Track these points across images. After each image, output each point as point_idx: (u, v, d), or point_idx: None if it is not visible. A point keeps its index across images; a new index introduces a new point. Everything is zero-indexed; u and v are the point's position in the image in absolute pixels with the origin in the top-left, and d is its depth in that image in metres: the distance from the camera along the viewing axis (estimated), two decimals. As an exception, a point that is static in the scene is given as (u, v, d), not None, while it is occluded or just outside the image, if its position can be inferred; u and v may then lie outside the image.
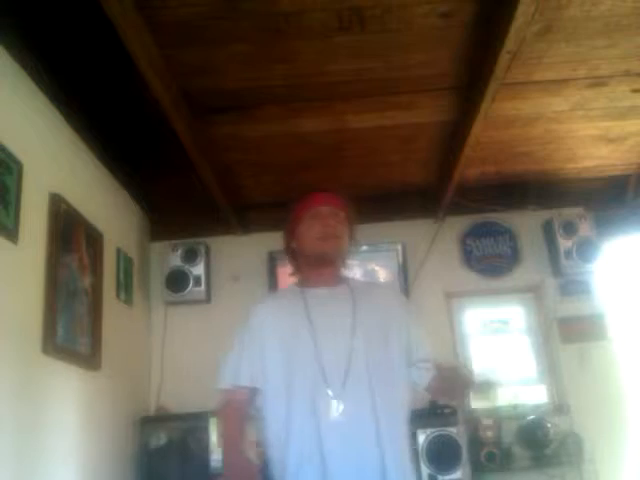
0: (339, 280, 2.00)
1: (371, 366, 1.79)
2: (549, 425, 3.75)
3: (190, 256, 4.08)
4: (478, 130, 3.18)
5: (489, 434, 3.75)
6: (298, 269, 2.04)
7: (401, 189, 4.21)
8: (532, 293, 4.32)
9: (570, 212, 4.17)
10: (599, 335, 4.06)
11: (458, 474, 3.48)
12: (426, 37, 2.64)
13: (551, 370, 4.15)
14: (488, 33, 2.56)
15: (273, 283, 4.11)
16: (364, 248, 4.24)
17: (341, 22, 2.50)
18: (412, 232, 4.29)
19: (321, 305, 1.89)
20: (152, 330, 4.15)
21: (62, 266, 2.81)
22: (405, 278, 4.18)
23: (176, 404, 3.82)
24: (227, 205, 3.94)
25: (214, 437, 3.47)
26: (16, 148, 2.44)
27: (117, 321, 3.50)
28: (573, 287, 4.19)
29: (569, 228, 4.08)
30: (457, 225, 4.35)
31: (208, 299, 4.11)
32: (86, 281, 3.10)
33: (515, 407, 4.00)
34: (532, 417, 3.82)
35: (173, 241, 4.14)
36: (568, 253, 4.05)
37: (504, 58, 2.56)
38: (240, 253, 4.29)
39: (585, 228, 4.09)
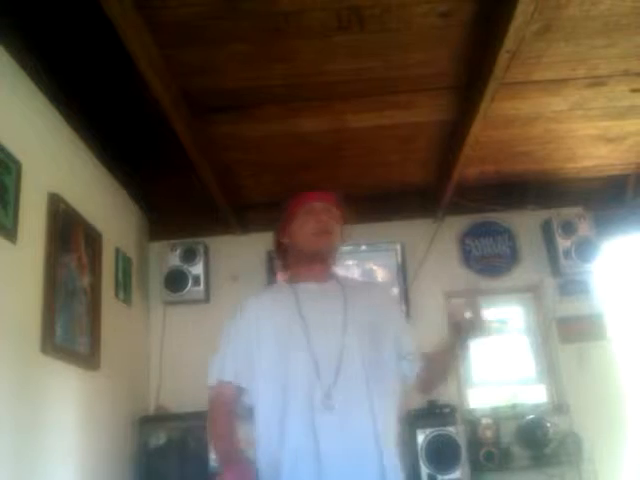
0: (329, 276, 2.01)
1: (366, 364, 1.79)
2: (548, 425, 3.75)
3: (189, 256, 4.08)
4: (477, 130, 3.18)
5: (488, 434, 3.75)
6: (288, 265, 2.04)
7: (400, 189, 4.22)
8: (531, 293, 4.32)
9: (569, 212, 4.17)
10: (598, 335, 4.06)
11: (457, 474, 3.49)
12: (425, 36, 2.65)
13: (550, 370, 4.15)
14: (487, 32, 2.56)
15: (272, 283, 4.10)
16: (363, 248, 4.25)
17: (340, 22, 2.50)
18: (411, 232, 4.29)
19: (312, 300, 1.88)
20: (151, 330, 4.15)
21: (61, 266, 2.81)
22: (404, 278, 4.18)
23: (175, 404, 3.82)
24: (226, 205, 3.94)
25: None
26: (15, 148, 2.44)
27: (116, 321, 3.50)
28: (572, 287, 4.19)
29: (568, 228, 4.09)
30: (456, 225, 4.35)
31: (207, 299, 4.11)
32: (85, 281, 3.10)
33: (514, 407, 4.00)
34: (531, 417, 3.82)
35: (172, 241, 4.14)
36: (567, 253, 4.05)
37: (503, 57, 2.56)
38: (239, 253, 4.29)
39: (584, 228, 4.09)
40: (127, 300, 3.77)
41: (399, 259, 4.22)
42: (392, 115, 3.25)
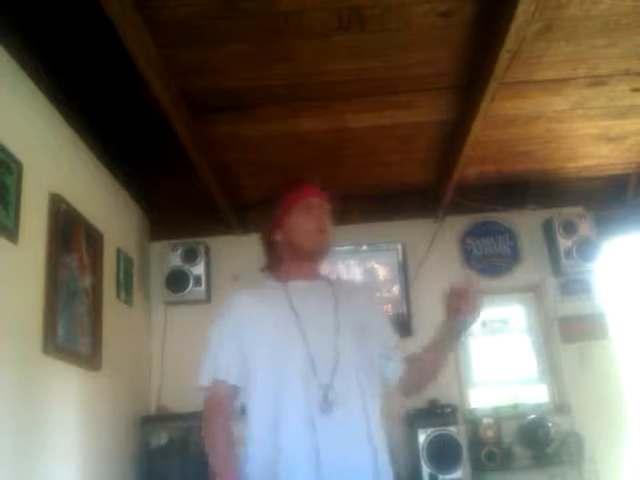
0: (318, 275, 1.98)
1: (358, 364, 1.78)
2: (550, 424, 3.75)
3: (190, 256, 4.08)
4: (478, 129, 3.18)
5: (489, 433, 3.75)
6: (278, 262, 1.98)
7: (401, 189, 4.21)
8: (532, 292, 4.32)
9: (570, 211, 4.17)
10: (600, 334, 4.06)
11: (458, 473, 3.49)
12: (426, 36, 2.65)
13: (551, 369, 4.14)
14: (488, 32, 2.56)
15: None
16: (364, 248, 4.26)
17: (340, 21, 2.50)
18: (412, 232, 4.29)
19: (303, 298, 1.85)
20: (152, 330, 4.15)
21: (62, 266, 2.81)
22: (405, 278, 4.18)
23: (176, 403, 3.82)
24: (227, 205, 3.94)
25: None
26: (16, 148, 2.44)
27: (117, 321, 3.50)
28: (573, 286, 4.19)
29: (569, 227, 4.08)
30: (457, 225, 4.35)
31: (208, 299, 4.11)
32: (86, 281, 3.10)
33: (515, 406, 4.00)
34: (533, 416, 3.82)
35: (173, 241, 4.14)
36: (568, 252, 4.05)
37: (504, 57, 2.56)
38: (240, 253, 4.27)
39: (585, 227, 4.09)
40: (128, 300, 3.77)
41: (400, 259, 4.22)
42: (392, 115, 3.25)
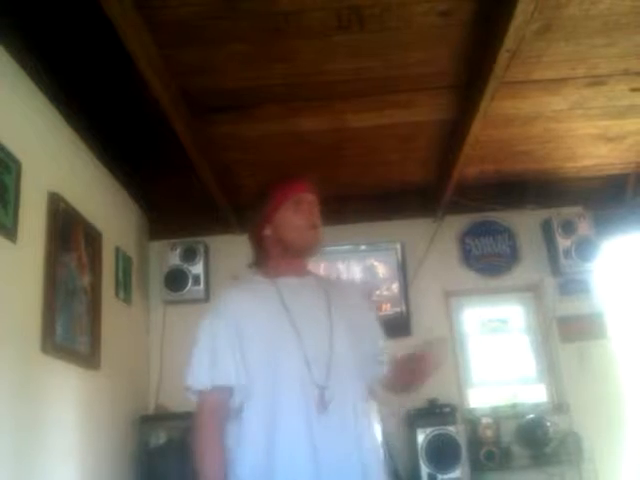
0: (307, 271, 1.95)
1: (351, 364, 1.77)
2: (548, 424, 3.76)
3: (189, 255, 4.08)
4: (477, 129, 3.18)
5: (488, 433, 3.75)
6: (265, 257, 1.96)
7: (400, 188, 4.22)
8: (531, 292, 4.32)
9: (569, 211, 4.18)
10: (598, 334, 4.07)
11: (457, 473, 3.49)
12: (425, 36, 2.65)
13: (550, 369, 4.15)
14: (487, 32, 2.56)
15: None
16: (363, 247, 4.26)
17: (340, 21, 2.50)
18: (411, 231, 4.30)
19: (295, 294, 1.82)
20: (151, 329, 4.15)
21: (61, 265, 2.81)
22: (404, 277, 4.19)
23: (175, 403, 3.81)
24: (226, 204, 3.94)
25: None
26: (15, 147, 2.44)
27: (116, 320, 3.50)
28: (572, 286, 4.19)
29: (568, 227, 4.09)
30: (456, 224, 4.36)
31: (207, 298, 4.11)
32: (85, 280, 3.10)
33: (514, 406, 4.01)
34: (531, 416, 3.82)
35: (172, 240, 4.15)
36: (567, 252, 4.06)
37: (503, 57, 2.56)
38: (239, 252, 4.20)
39: (584, 227, 4.09)
40: (127, 299, 3.77)
41: (399, 258, 4.22)
42: (392, 114, 3.25)
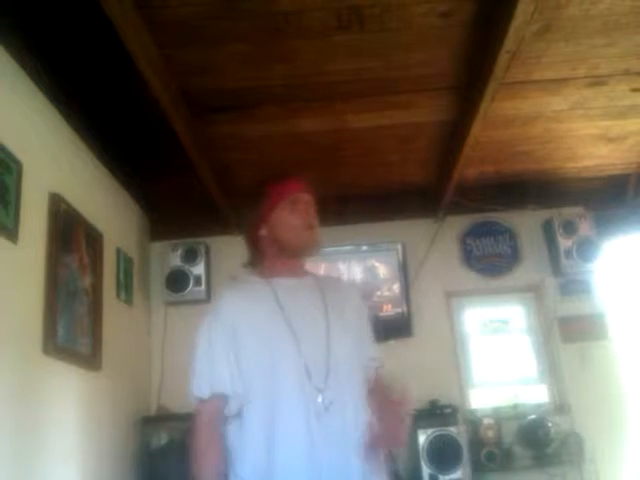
0: (304, 272, 1.94)
1: (348, 366, 1.76)
2: (550, 425, 3.75)
3: (190, 256, 4.08)
4: (477, 130, 3.18)
5: (490, 434, 3.75)
6: (261, 257, 1.95)
7: (401, 189, 4.22)
8: (532, 292, 4.32)
9: (570, 211, 4.17)
10: (599, 334, 4.06)
11: (459, 474, 3.49)
12: (425, 36, 2.65)
13: (551, 370, 4.15)
14: (487, 32, 2.56)
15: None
16: (364, 248, 4.26)
17: (340, 21, 2.51)
18: (412, 232, 4.29)
19: (290, 294, 1.81)
20: (152, 330, 4.15)
21: (62, 266, 2.81)
22: (405, 277, 4.18)
23: (177, 404, 3.81)
24: (226, 205, 3.94)
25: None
26: (16, 148, 2.45)
27: (117, 321, 3.50)
28: (573, 286, 4.19)
29: (569, 227, 4.09)
30: (457, 224, 4.36)
31: (208, 299, 4.10)
32: (86, 281, 3.10)
33: (516, 407, 4.00)
34: (533, 417, 3.82)
35: (173, 241, 4.14)
36: (568, 252, 4.06)
37: (503, 57, 2.56)
38: (240, 253, 4.25)
39: (585, 227, 4.09)
40: (128, 300, 3.77)
41: (400, 259, 4.22)
42: (392, 115, 3.25)
